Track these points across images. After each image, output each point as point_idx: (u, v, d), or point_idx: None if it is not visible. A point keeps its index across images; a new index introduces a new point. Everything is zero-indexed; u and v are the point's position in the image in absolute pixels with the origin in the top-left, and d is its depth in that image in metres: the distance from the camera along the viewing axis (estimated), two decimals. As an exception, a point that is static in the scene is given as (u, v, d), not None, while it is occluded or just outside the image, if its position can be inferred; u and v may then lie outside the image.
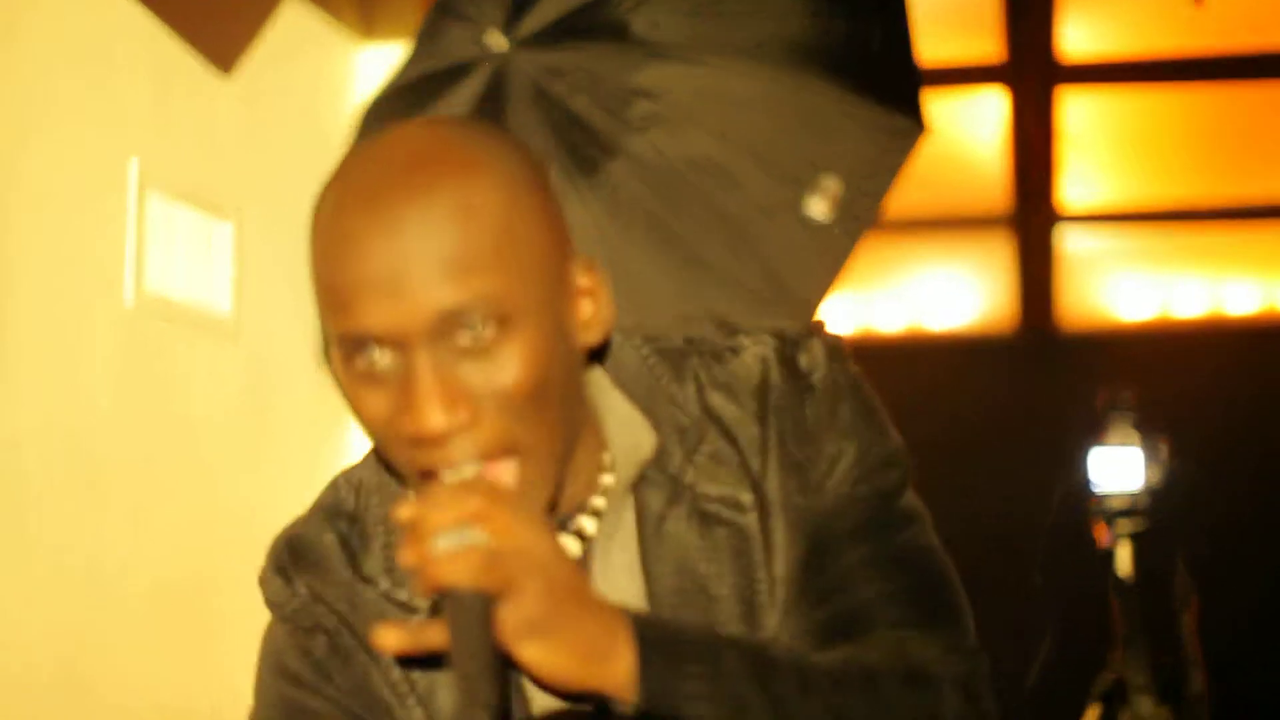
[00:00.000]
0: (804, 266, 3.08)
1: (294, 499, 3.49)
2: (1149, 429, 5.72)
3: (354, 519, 1.54)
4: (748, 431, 1.52)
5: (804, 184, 3.05)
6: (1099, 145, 6.50)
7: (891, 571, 1.52)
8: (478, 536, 1.24)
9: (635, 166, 2.92)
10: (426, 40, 3.24)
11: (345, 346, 1.35)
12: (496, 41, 3.12)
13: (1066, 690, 5.78)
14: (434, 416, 1.31)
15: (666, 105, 3.05)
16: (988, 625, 1.66)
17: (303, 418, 3.29)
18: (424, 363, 1.32)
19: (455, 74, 3.14)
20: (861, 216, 3.06)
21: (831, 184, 3.04)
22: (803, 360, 1.54)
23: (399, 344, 1.33)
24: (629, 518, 1.48)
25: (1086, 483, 5.68)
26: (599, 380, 1.52)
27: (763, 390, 1.53)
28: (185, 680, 2.71)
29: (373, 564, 1.51)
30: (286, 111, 3.23)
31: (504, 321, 1.34)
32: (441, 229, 1.33)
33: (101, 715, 2.47)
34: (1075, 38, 6.32)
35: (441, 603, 1.25)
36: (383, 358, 1.34)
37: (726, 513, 1.50)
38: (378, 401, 1.35)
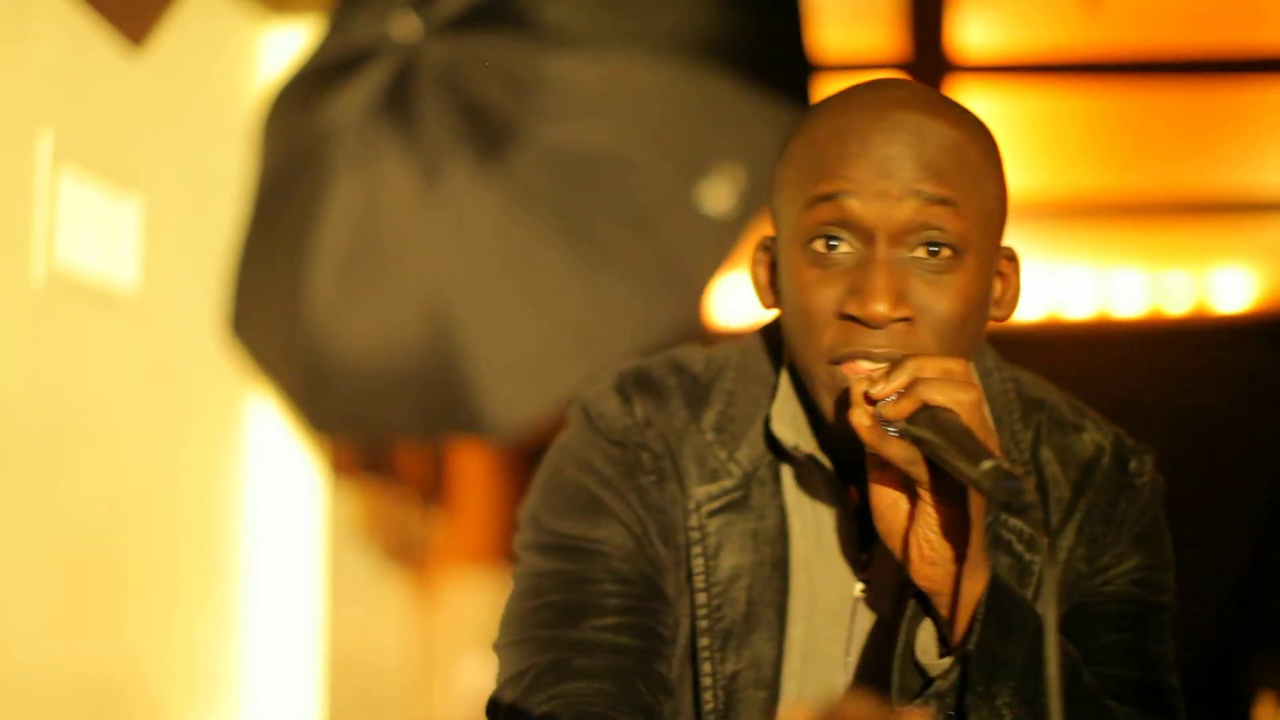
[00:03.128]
0: (700, 252, 3.14)
1: (198, 475, 3.48)
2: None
3: (697, 380, 1.67)
4: (1060, 491, 1.64)
5: (703, 173, 3.11)
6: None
7: (1136, 663, 1.61)
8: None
9: (542, 156, 2.97)
10: (337, 25, 3.26)
11: (810, 228, 1.50)
12: (407, 29, 3.15)
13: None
14: (882, 304, 1.45)
15: (575, 96, 3.10)
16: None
17: (208, 394, 3.32)
18: (886, 256, 1.47)
19: (365, 59, 3.16)
20: (756, 204, 3.13)
21: (729, 172, 3.10)
22: (1133, 464, 1.68)
23: (867, 234, 1.48)
24: None
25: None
26: None
27: (1089, 467, 1.66)
28: (93, 651, 2.73)
29: (707, 420, 1.64)
30: (196, 88, 3.24)
31: (958, 251, 1.49)
32: (936, 145, 1.49)
33: (10, 687, 2.49)
34: (973, 33, 6.42)
35: (919, 416, 1.39)
36: (843, 245, 1.49)
37: (1019, 546, 1.60)
38: (822, 282, 1.49)
